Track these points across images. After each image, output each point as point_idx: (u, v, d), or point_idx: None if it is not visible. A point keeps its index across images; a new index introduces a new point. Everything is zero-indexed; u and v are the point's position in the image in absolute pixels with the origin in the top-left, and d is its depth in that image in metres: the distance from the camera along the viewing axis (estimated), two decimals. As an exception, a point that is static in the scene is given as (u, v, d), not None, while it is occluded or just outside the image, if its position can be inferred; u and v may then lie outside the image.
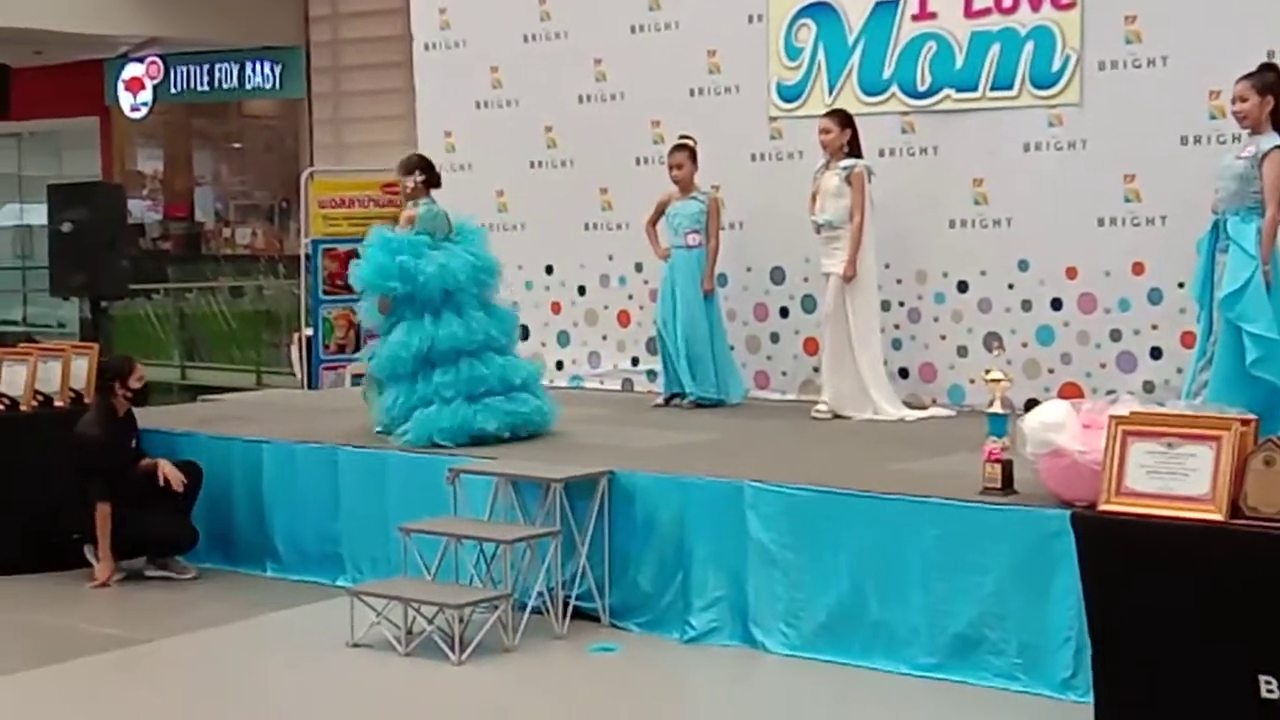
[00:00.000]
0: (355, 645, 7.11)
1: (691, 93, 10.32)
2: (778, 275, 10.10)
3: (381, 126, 17.26)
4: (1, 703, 6.59)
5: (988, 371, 6.98)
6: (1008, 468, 6.60)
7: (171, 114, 22.00)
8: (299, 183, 14.29)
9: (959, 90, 9.38)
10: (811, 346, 9.90)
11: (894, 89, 9.58)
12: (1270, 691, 5.30)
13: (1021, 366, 9.11)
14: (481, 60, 11.18)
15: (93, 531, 8.34)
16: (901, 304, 9.64)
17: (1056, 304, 9.18)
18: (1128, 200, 8.92)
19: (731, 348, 9.96)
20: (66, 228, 11.79)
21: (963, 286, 9.49)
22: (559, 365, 11.04)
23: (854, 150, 9.15)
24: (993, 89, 9.27)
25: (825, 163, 9.21)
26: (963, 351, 9.49)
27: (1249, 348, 7.25)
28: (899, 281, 9.62)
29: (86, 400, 8.95)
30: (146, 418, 8.87)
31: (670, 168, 9.76)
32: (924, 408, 9.35)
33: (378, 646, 7.07)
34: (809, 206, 9.24)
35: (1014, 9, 9.17)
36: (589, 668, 6.96)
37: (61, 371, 9.10)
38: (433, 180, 8.94)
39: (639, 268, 10.54)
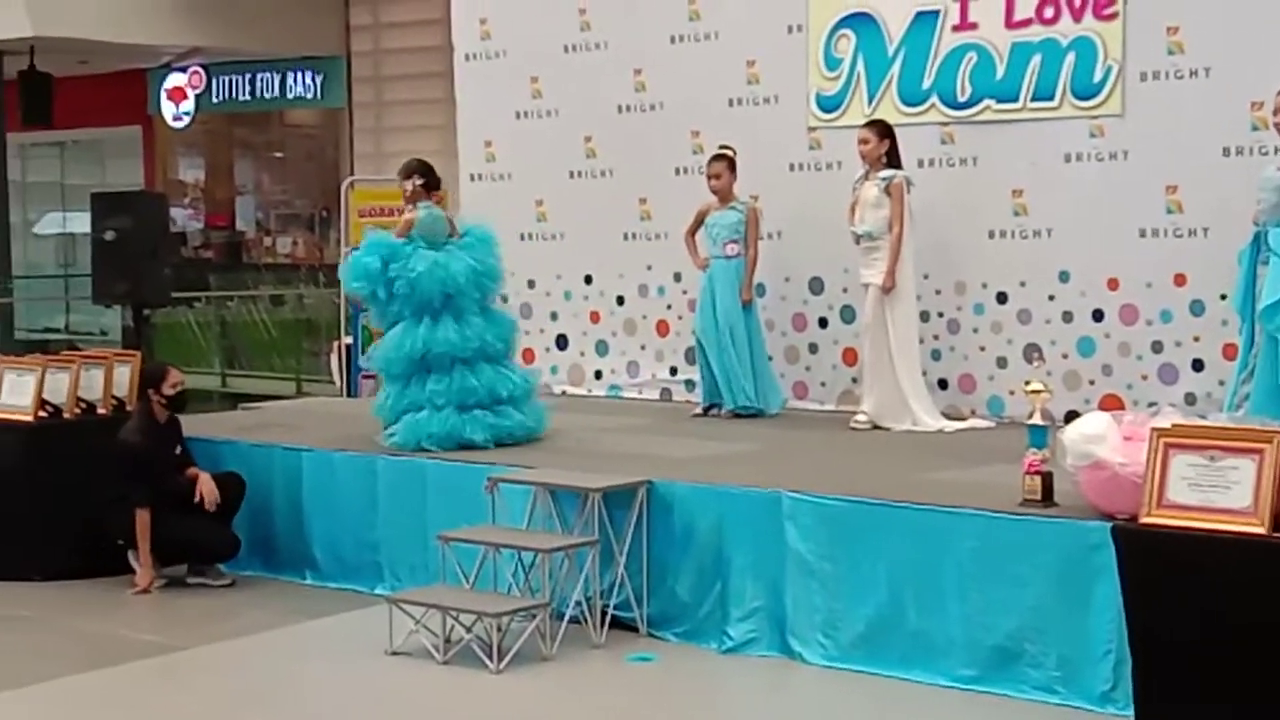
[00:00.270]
0: (394, 653, 7.13)
1: (731, 103, 10.31)
2: (816, 285, 10.09)
3: (422, 136, 17.30)
4: (44, 708, 6.65)
5: (1028, 383, 6.95)
6: (1048, 479, 6.57)
7: (213, 123, 22.14)
8: (339, 192, 14.36)
9: (999, 101, 9.35)
10: (850, 357, 9.88)
11: (934, 99, 9.56)
12: (1312, 706, 5.27)
13: (1062, 378, 9.06)
14: (522, 70, 11.21)
15: (135, 537, 8.39)
16: (941, 315, 9.62)
17: (1098, 315, 9.14)
18: (1169, 211, 8.88)
19: (770, 358, 9.95)
20: (110, 236, 11.86)
21: (1002, 298, 9.46)
22: (597, 375, 11.06)
23: (893, 161, 9.14)
24: (1034, 100, 9.23)
25: (864, 173, 9.19)
26: (1002, 363, 9.46)
27: (1290, 360, 7.20)
28: (938, 292, 9.60)
29: (129, 407, 9.01)
30: (188, 425, 8.91)
31: (709, 177, 9.77)
32: (963, 419, 9.33)
33: (416, 654, 7.09)
34: (848, 217, 9.23)
35: (1055, 20, 9.15)
36: (626, 677, 6.96)
37: (104, 379, 9.16)
38: (432, 184, 9.00)
39: (678, 277, 10.55)
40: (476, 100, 11.57)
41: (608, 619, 7.37)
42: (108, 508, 8.40)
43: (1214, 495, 5.54)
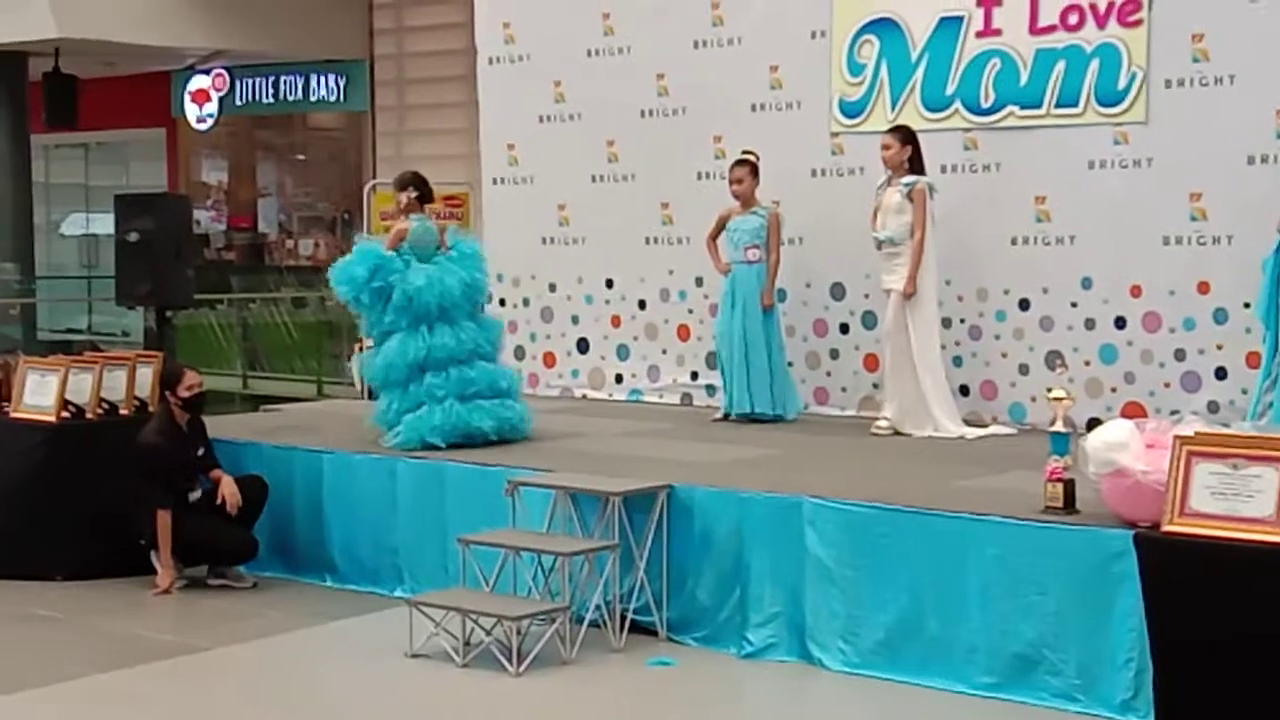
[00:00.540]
0: (414, 655, 7.14)
1: (753, 108, 10.31)
2: (838, 291, 10.08)
3: (444, 140, 17.35)
4: (66, 707, 6.67)
5: (1050, 389, 6.94)
6: (1070, 487, 6.56)
7: (236, 126, 22.20)
8: (362, 195, 14.39)
9: (1023, 107, 9.34)
10: (871, 363, 9.87)
11: (957, 105, 9.55)
12: (1335, 716, 5.25)
13: (1084, 385, 9.04)
14: (545, 74, 11.22)
15: (156, 538, 8.42)
16: (963, 321, 9.60)
17: (1120, 322, 9.12)
18: (1193, 219, 8.85)
19: (790, 363, 9.94)
20: (133, 237, 11.91)
21: (1024, 304, 9.44)
22: (618, 379, 11.06)
23: (916, 167, 9.12)
24: (1057, 106, 9.22)
25: (887, 179, 9.18)
26: (1024, 369, 9.44)
27: (1314, 369, 7.18)
28: (960, 299, 9.58)
29: (151, 409, 9.03)
30: (209, 427, 8.93)
31: (731, 182, 9.77)
32: (985, 425, 9.31)
33: (436, 657, 7.10)
34: (871, 223, 9.22)
35: (1080, 26, 9.13)
36: (646, 681, 6.96)
37: (127, 380, 9.19)
38: (426, 196, 9.18)
39: (699, 282, 10.55)
40: (499, 104, 11.59)
41: (627, 623, 7.37)
42: (130, 508, 8.43)
43: (1237, 504, 5.52)
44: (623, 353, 11.05)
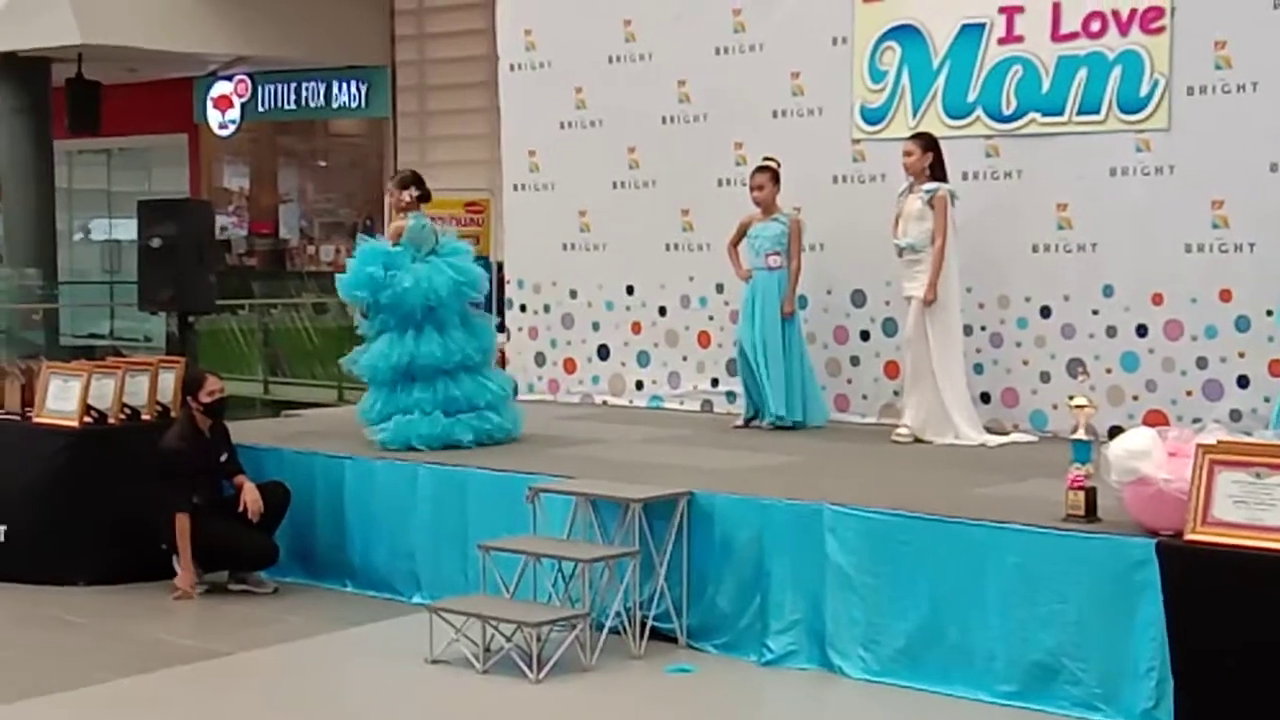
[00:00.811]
0: (434, 661, 7.15)
1: (775, 114, 10.31)
2: (859, 298, 10.07)
3: (466, 146, 17.39)
4: (88, 712, 6.69)
5: (1071, 397, 6.93)
6: (1091, 495, 6.54)
7: (258, 132, 22.28)
8: (383, 200, 14.40)
9: (1045, 114, 9.32)
10: (892, 370, 9.86)
11: (979, 112, 9.54)
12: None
13: (1105, 393, 9.02)
14: (566, 81, 11.23)
15: (176, 542, 8.44)
16: (983, 328, 9.59)
17: (1142, 330, 9.10)
18: (1215, 226, 8.83)
19: (812, 370, 9.92)
20: (156, 243, 11.95)
21: (1046, 311, 9.42)
22: (639, 385, 11.06)
23: (938, 174, 9.11)
24: (1079, 113, 9.20)
25: (909, 186, 9.18)
26: (1045, 377, 9.42)
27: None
28: (981, 306, 9.56)
29: (173, 414, 9.06)
30: (231, 432, 8.95)
31: (752, 189, 9.77)
32: (1006, 433, 9.29)
33: (456, 663, 7.10)
34: (892, 230, 9.22)
35: (1102, 33, 9.11)
36: (666, 688, 6.95)
37: (149, 385, 9.21)
38: (425, 196, 9.35)
39: (720, 289, 10.55)
40: (520, 110, 11.60)
41: (647, 630, 7.37)
42: (152, 513, 8.45)
43: (1260, 513, 5.51)
44: (643, 359, 11.06)
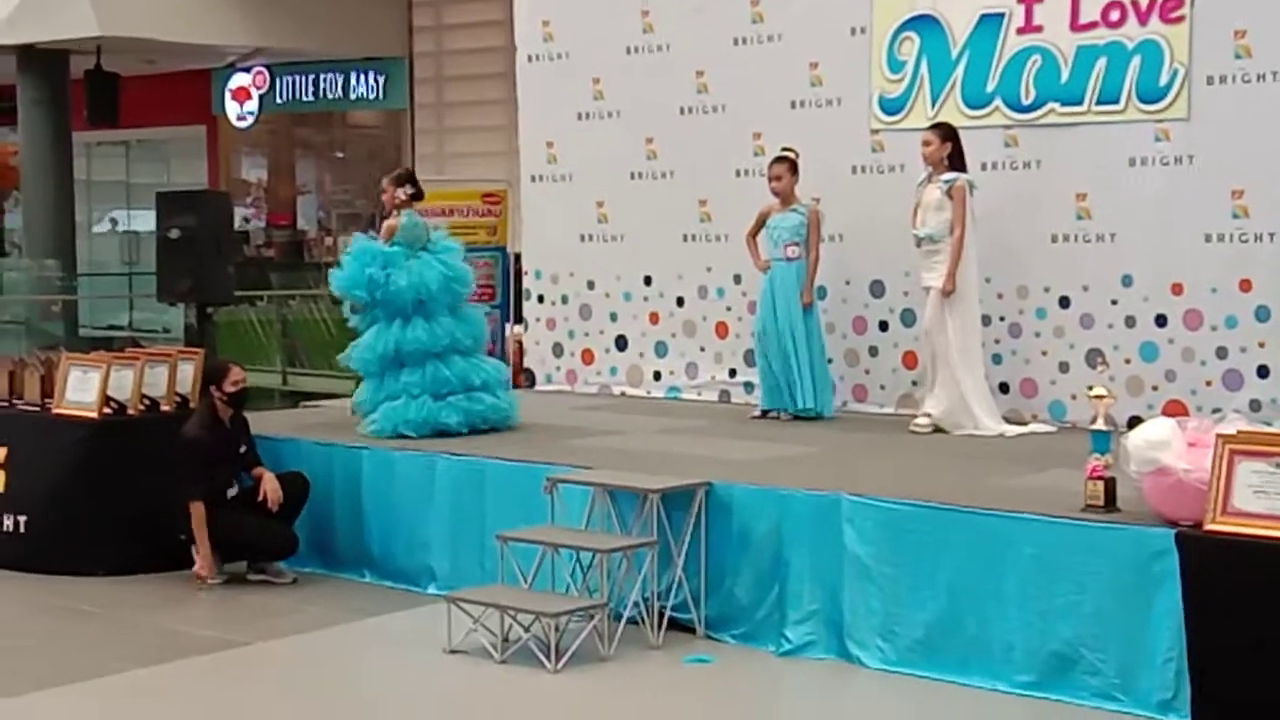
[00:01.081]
0: (452, 651, 7.16)
1: (793, 105, 10.30)
2: (877, 288, 10.06)
3: (483, 137, 17.40)
4: (108, 702, 6.71)
5: (1091, 387, 6.91)
6: (1111, 485, 6.53)
7: (276, 123, 22.31)
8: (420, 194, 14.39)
9: (1064, 104, 9.30)
10: (910, 360, 9.85)
11: (997, 102, 9.51)
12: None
13: (1124, 383, 9.00)
14: (584, 72, 11.23)
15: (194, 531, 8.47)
16: (1002, 319, 9.57)
17: (1161, 320, 9.07)
18: (1235, 216, 8.80)
19: (830, 361, 9.92)
20: (174, 234, 11.98)
21: (1064, 302, 9.40)
22: (656, 376, 11.06)
23: (956, 164, 9.09)
24: (1098, 103, 9.17)
25: (927, 176, 9.16)
26: (1064, 367, 9.40)
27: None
28: (1000, 296, 9.54)
29: (192, 405, 9.08)
30: (250, 423, 8.97)
31: (770, 179, 9.76)
32: (1024, 423, 9.27)
33: (474, 653, 7.11)
34: (910, 220, 9.20)
35: (1121, 22, 9.08)
36: (684, 678, 6.96)
37: (168, 376, 9.24)
38: (418, 194, 9.51)
39: (737, 279, 10.54)
40: (538, 101, 11.60)
41: (665, 620, 7.37)
42: (171, 504, 8.48)
43: (1280, 503, 5.49)
44: (661, 350, 11.06)
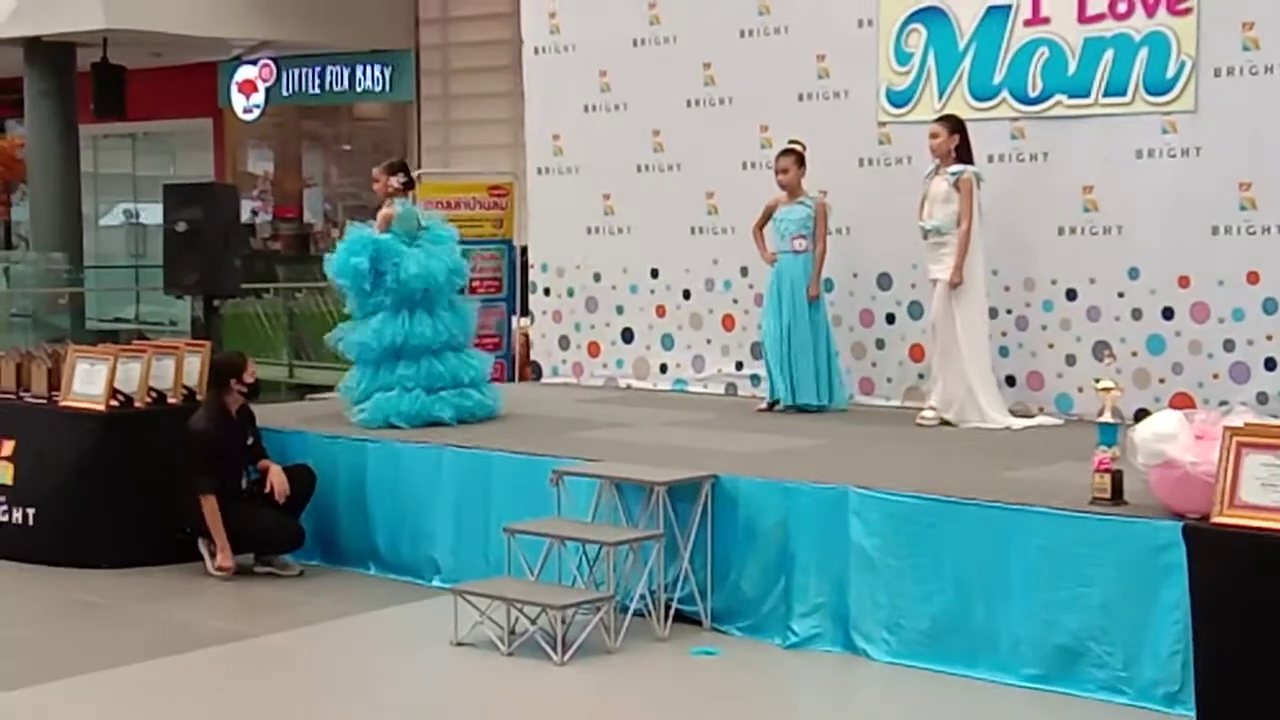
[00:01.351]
0: (459, 644, 7.16)
1: (800, 97, 10.28)
2: (884, 281, 10.05)
3: (490, 129, 17.41)
4: (115, 694, 6.72)
5: (1098, 380, 6.90)
6: (1118, 478, 6.52)
7: (282, 116, 22.31)
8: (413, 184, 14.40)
9: (1071, 96, 9.28)
10: (917, 353, 9.84)
11: (1004, 94, 9.50)
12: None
13: (1131, 376, 8.99)
14: (590, 64, 11.22)
15: (203, 525, 8.47)
16: (1009, 311, 9.56)
17: (1168, 313, 9.06)
18: (1243, 208, 8.79)
19: (837, 353, 9.90)
20: (181, 227, 11.98)
21: (1071, 294, 9.39)
22: (663, 368, 11.06)
23: (964, 156, 9.08)
24: (1105, 95, 9.16)
25: (935, 168, 9.15)
26: (1071, 360, 9.39)
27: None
28: (1007, 289, 9.54)
29: (199, 397, 9.08)
30: (256, 415, 8.98)
31: (777, 172, 9.75)
32: (1031, 416, 9.26)
33: (481, 645, 7.12)
34: (918, 212, 9.19)
35: (1128, 15, 9.07)
36: (690, 671, 6.96)
37: (175, 369, 9.23)
38: (410, 183, 9.67)
39: (744, 272, 10.54)
40: (545, 94, 11.59)
41: (671, 612, 7.37)
42: (178, 496, 8.49)
43: (1287, 496, 5.47)
44: (667, 342, 11.05)
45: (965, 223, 8.99)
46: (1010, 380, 9.52)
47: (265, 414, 9.30)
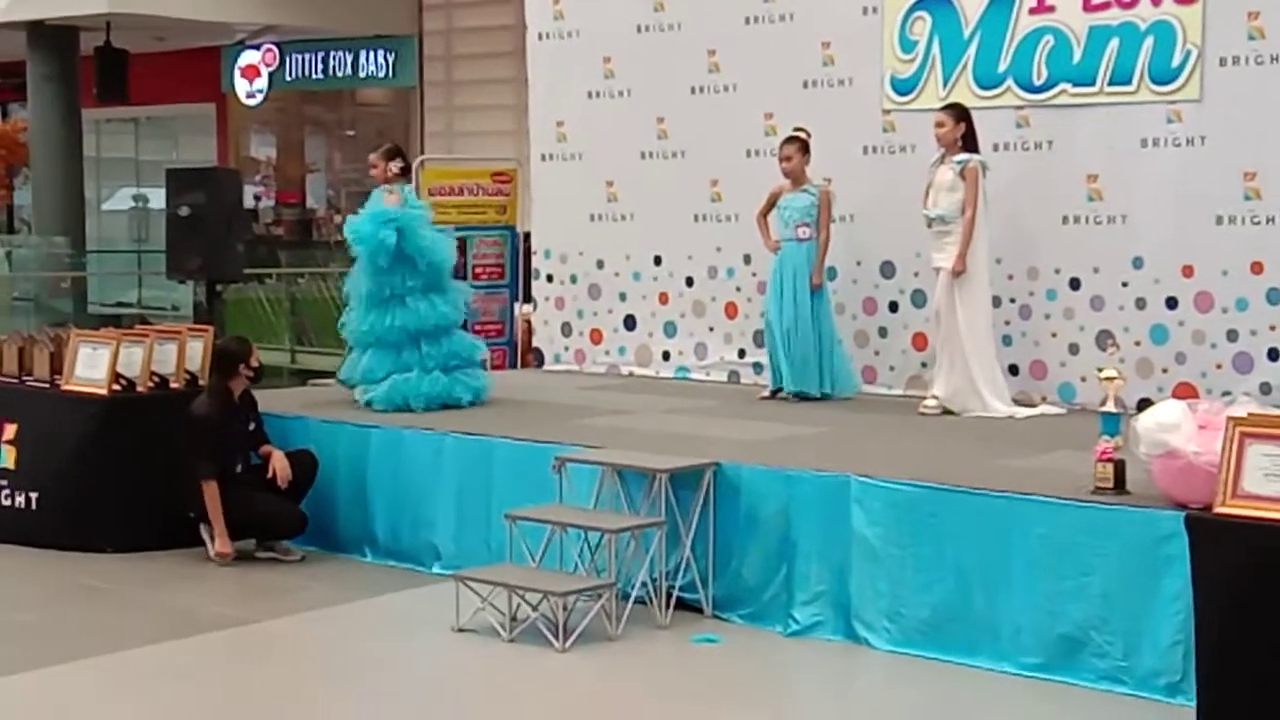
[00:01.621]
0: (460, 630, 7.17)
1: (805, 85, 10.26)
2: (888, 269, 10.04)
3: (493, 115, 17.39)
4: (117, 678, 6.72)
5: (1100, 369, 6.90)
6: (1120, 467, 6.52)
7: (285, 101, 22.29)
8: (409, 170, 14.39)
9: (1076, 85, 9.26)
10: (920, 342, 9.83)
11: (1009, 83, 9.48)
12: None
13: (1135, 365, 8.98)
14: (594, 50, 11.20)
15: (203, 511, 8.47)
16: (1013, 300, 9.55)
17: (1172, 303, 9.05)
18: (1247, 198, 8.77)
19: (840, 342, 9.90)
20: (184, 212, 11.98)
21: (1075, 283, 9.38)
22: (665, 356, 11.05)
23: (969, 145, 9.06)
24: (1111, 84, 9.14)
25: (940, 157, 9.13)
26: (1074, 349, 9.38)
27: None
28: (1010, 277, 9.52)
29: (201, 382, 9.08)
30: (258, 401, 8.97)
31: (780, 160, 9.73)
32: (1034, 405, 9.26)
33: (482, 632, 7.12)
34: (922, 201, 9.17)
35: (1134, 3, 9.04)
36: (691, 658, 6.96)
37: (177, 353, 9.23)
38: (407, 170, 9.75)
39: (747, 260, 10.52)
40: (548, 80, 11.58)
41: (673, 600, 7.37)
42: (180, 481, 8.49)
43: (1290, 486, 5.46)
44: (670, 330, 11.04)
45: (970, 211, 8.97)
46: (1013, 369, 9.51)
47: (267, 399, 9.29)
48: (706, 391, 10.30)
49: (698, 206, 10.80)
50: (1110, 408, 6.62)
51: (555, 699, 6.53)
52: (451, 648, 7.06)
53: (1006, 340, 9.51)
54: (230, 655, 7.08)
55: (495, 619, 7.11)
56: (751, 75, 10.47)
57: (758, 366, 10.40)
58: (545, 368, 11.55)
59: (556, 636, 6.92)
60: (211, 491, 8.40)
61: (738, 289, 10.69)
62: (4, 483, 9.09)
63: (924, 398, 9.24)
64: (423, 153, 16.84)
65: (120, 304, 21.17)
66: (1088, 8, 9.21)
